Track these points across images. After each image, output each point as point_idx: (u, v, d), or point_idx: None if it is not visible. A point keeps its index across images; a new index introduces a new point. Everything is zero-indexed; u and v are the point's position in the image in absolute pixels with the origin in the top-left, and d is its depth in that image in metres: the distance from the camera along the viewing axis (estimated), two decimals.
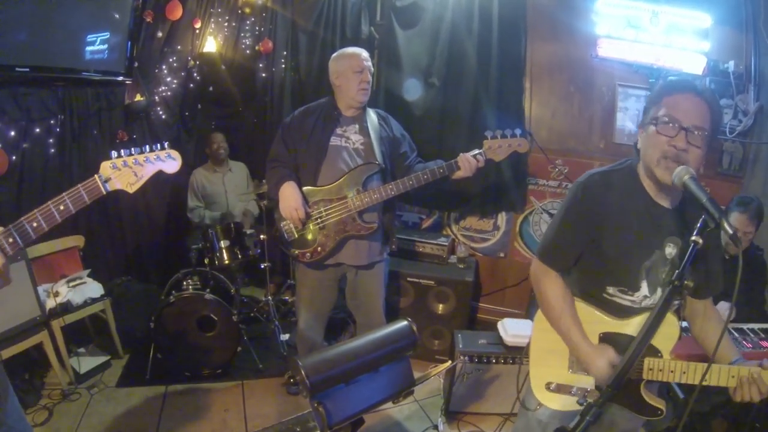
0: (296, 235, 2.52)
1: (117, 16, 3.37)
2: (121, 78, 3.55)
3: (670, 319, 1.37)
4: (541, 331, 1.62)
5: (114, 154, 1.35)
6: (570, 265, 1.57)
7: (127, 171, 1.35)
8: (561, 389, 1.59)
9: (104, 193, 1.33)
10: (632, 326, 1.47)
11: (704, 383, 1.30)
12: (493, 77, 3.43)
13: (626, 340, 1.45)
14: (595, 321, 1.52)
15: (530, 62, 3.48)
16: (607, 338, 1.50)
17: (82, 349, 3.24)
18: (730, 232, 1.10)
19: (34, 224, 1.23)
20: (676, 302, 1.43)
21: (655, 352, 1.41)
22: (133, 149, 1.37)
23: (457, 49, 3.45)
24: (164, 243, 4.09)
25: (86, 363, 3.08)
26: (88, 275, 3.16)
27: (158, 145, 1.41)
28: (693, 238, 1.17)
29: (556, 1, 3.40)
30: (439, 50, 3.47)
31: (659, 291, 1.47)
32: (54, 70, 3.14)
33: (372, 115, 2.63)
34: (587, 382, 1.55)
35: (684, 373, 1.37)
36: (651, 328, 1.20)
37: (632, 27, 3.15)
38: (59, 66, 3.16)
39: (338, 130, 2.54)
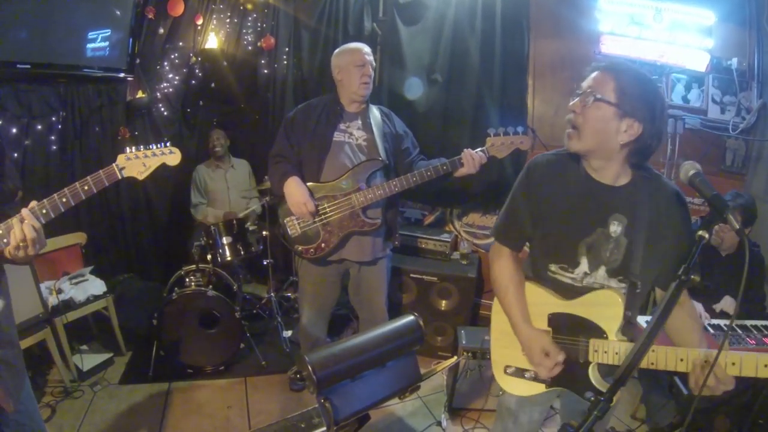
0: (300, 231, 2.51)
1: (118, 12, 3.37)
2: (122, 74, 3.56)
3: (613, 298, 1.38)
4: (497, 313, 1.65)
5: (127, 149, 1.61)
6: (521, 242, 1.62)
7: (137, 162, 1.61)
8: (517, 373, 1.60)
9: (120, 177, 1.58)
10: (578, 306, 1.48)
11: (651, 366, 1.27)
12: (496, 74, 3.42)
13: (572, 321, 1.47)
14: (544, 302, 1.55)
15: (533, 59, 3.48)
16: (554, 318, 1.52)
17: (84, 347, 3.24)
18: (737, 227, 1.11)
19: (63, 200, 1.46)
20: (624, 286, 1.44)
21: (601, 333, 1.40)
22: (142, 146, 1.64)
23: (460, 46, 3.44)
24: (166, 240, 4.09)
25: (89, 360, 3.09)
26: (91, 272, 3.16)
27: (162, 144, 1.68)
28: (699, 233, 1.15)
29: None
30: (442, 47, 3.46)
31: (602, 269, 1.47)
32: (56, 67, 3.16)
33: (375, 112, 2.63)
34: None
35: (631, 354, 1.27)
36: (657, 324, 1.18)
37: (636, 24, 3.13)
38: (61, 63, 3.17)
39: (341, 126, 2.54)
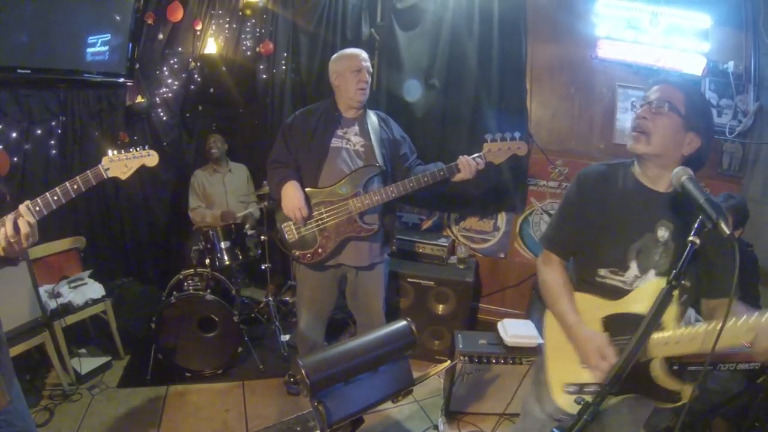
0: (297, 236, 2.52)
1: (118, 17, 3.38)
2: (122, 79, 3.56)
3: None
4: (551, 328, 1.64)
5: (110, 152, 1.77)
6: (570, 250, 1.66)
7: (120, 163, 1.77)
8: (579, 389, 1.51)
9: (105, 177, 1.72)
10: (630, 303, 1.48)
11: (720, 345, 1.17)
12: (494, 78, 3.43)
13: (627, 319, 1.46)
14: (594, 307, 1.55)
15: (530, 63, 3.48)
16: (609, 321, 1.51)
17: (83, 350, 3.25)
18: (727, 232, 1.11)
19: (55, 197, 1.58)
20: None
21: (657, 326, 1.32)
22: (123, 150, 1.81)
23: (458, 51, 3.45)
24: (164, 244, 4.10)
25: (87, 364, 3.09)
26: (89, 276, 3.16)
27: (140, 147, 1.87)
28: (690, 238, 1.17)
29: (555, 3, 3.41)
30: (440, 51, 3.48)
31: (652, 272, 1.50)
32: (55, 72, 3.16)
33: (372, 117, 2.64)
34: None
35: (692, 340, 1.26)
36: (649, 325, 1.21)
37: (632, 28, 3.17)
38: (60, 67, 3.17)
39: (339, 132, 2.55)
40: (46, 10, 2.95)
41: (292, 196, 2.44)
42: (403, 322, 1.21)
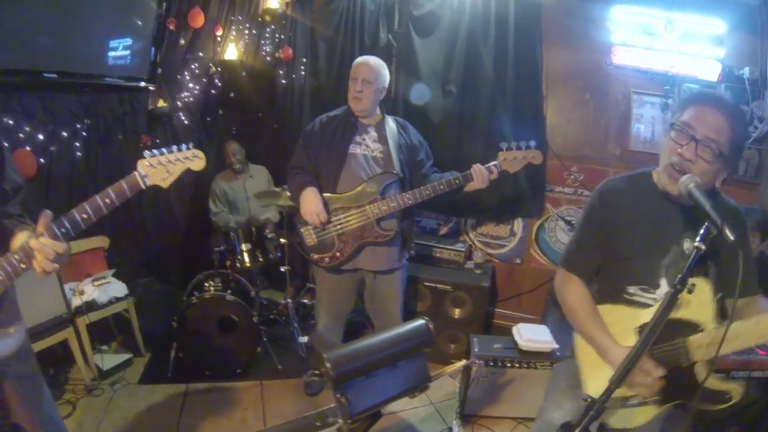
0: (316, 240, 2.58)
1: (140, 23, 3.45)
2: (144, 84, 3.63)
3: (698, 284, 1.30)
4: (584, 347, 1.58)
5: (148, 154, 1.47)
6: (592, 271, 1.58)
7: (160, 168, 1.48)
8: (622, 403, 1.47)
9: (143, 187, 1.45)
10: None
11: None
12: (510, 84, 3.46)
13: (666, 325, 1.36)
14: (626, 318, 1.49)
15: (545, 70, 3.51)
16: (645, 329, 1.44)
17: (104, 347, 3.33)
18: (731, 238, 1.14)
19: (84, 215, 1.37)
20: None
21: (696, 328, 1.34)
22: (164, 149, 1.50)
23: (474, 57, 3.49)
24: (185, 245, 4.16)
25: (109, 360, 3.16)
26: (113, 275, 3.24)
27: (184, 146, 1.55)
28: (696, 244, 1.19)
29: (570, 9, 3.43)
30: (456, 58, 3.51)
31: None
32: (80, 76, 3.22)
33: (391, 123, 2.68)
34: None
35: (737, 337, 1.24)
36: (652, 330, 1.21)
37: (647, 34, 3.18)
38: (85, 72, 3.24)
39: (357, 138, 2.60)
40: (71, 16, 3.01)
41: (310, 201, 2.49)
42: (421, 321, 1.26)
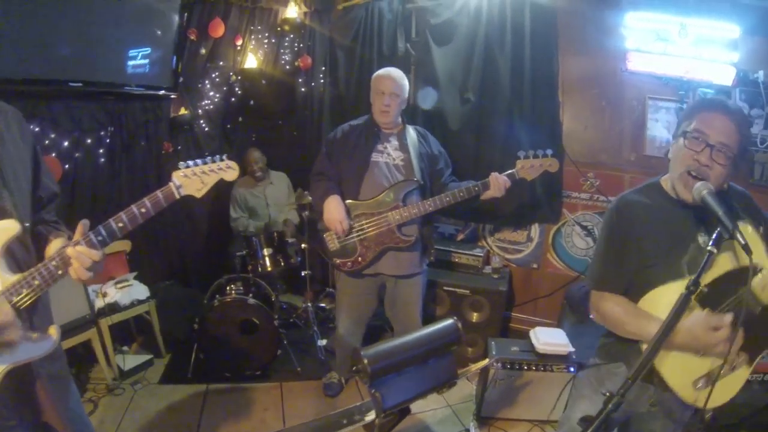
0: (338, 246, 2.64)
1: (160, 33, 3.54)
2: (166, 92, 3.72)
3: (743, 228, 1.34)
4: (660, 357, 1.49)
5: (182, 165, 1.51)
6: (624, 286, 1.59)
7: (195, 179, 1.51)
8: (709, 380, 1.45)
9: (177, 197, 1.48)
10: (714, 268, 1.37)
11: None
12: (527, 92, 3.49)
13: (720, 284, 1.40)
14: (675, 291, 1.38)
15: (561, 77, 3.54)
16: (701, 297, 1.41)
17: (125, 348, 3.40)
18: (743, 242, 1.20)
19: (120, 224, 1.40)
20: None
21: (755, 271, 1.31)
22: (199, 160, 1.54)
23: (491, 65, 3.52)
24: (206, 250, 4.24)
25: (130, 361, 3.24)
26: (135, 278, 3.31)
27: (218, 157, 1.58)
28: (708, 248, 1.25)
29: (585, 17, 3.45)
30: (474, 66, 3.54)
31: None
32: (104, 85, 3.31)
33: (411, 132, 2.75)
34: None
35: None
36: (668, 326, 1.25)
37: (661, 40, 3.17)
38: (108, 81, 3.32)
39: (379, 146, 2.68)
40: (95, 27, 3.09)
41: (333, 209, 2.57)
42: (450, 321, 1.30)
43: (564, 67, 3.53)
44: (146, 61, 3.51)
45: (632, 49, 3.26)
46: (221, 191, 4.04)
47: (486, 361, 2.17)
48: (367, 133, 2.69)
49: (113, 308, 3.08)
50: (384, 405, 1.12)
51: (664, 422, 1.64)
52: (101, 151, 3.45)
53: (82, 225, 1.37)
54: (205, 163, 1.53)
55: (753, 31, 3.10)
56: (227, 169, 1.57)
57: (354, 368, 1.09)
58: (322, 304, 4.04)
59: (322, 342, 3.55)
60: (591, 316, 1.67)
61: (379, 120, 2.66)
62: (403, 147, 2.69)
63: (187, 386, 3.12)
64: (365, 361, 1.07)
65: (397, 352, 1.15)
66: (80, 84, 3.12)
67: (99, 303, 3.03)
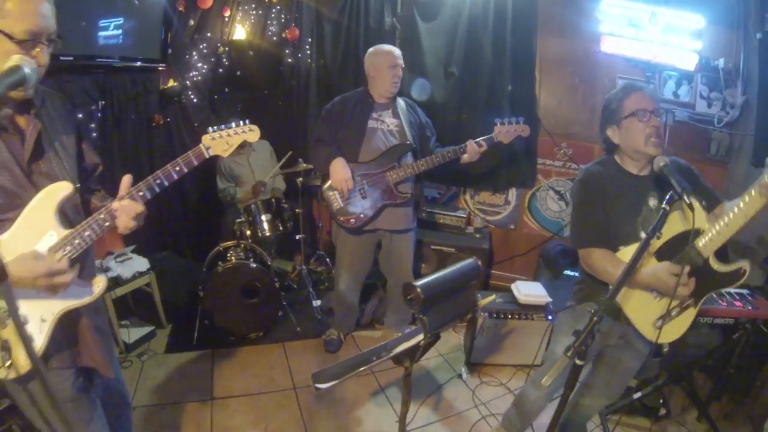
0: (342, 204, 2.88)
1: (151, 5, 3.53)
2: (156, 64, 3.73)
3: (693, 200, 1.61)
4: (624, 297, 1.84)
5: (210, 130, 1.71)
6: (603, 238, 1.90)
7: (221, 141, 1.71)
8: (666, 318, 1.79)
9: (207, 156, 1.68)
10: (665, 233, 1.67)
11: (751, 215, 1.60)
12: (507, 68, 3.72)
13: (672, 243, 1.76)
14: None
15: (540, 56, 3.78)
16: (661, 253, 1.79)
17: (125, 321, 3.37)
18: (688, 201, 1.54)
19: (158, 181, 1.57)
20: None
21: (698, 233, 1.71)
22: (224, 126, 1.75)
23: (474, 43, 3.71)
24: (196, 220, 4.31)
25: (133, 333, 3.24)
26: (132, 251, 3.33)
27: (242, 122, 1.78)
28: (663, 206, 1.58)
29: (564, 1, 3.69)
30: (458, 42, 3.73)
31: None
32: (94, 58, 3.29)
33: (401, 103, 3.01)
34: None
35: (727, 225, 1.65)
36: (634, 262, 1.54)
37: (633, 26, 3.44)
38: (99, 54, 3.30)
39: (374, 115, 2.93)
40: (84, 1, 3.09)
41: (340, 170, 2.81)
42: (472, 259, 1.53)
43: (542, 46, 3.77)
44: (139, 33, 3.49)
45: (606, 33, 3.52)
46: (208, 163, 4.08)
47: (492, 296, 2.54)
48: (363, 103, 2.93)
49: (116, 282, 3.10)
50: (429, 327, 1.35)
51: (630, 353, 2.04)
52: (93, 125, 3.42)
53: (126, 180, 1.55)
54: (229, 127, 1.74)
55: (716, 22, 3.39)
56: (249, 132, 1.78)
57: (408, 297, 1.30)
58: (314, 268, 4.22)
59: (318, 302, 3.77)
60: (584, 267, 1.99)
61: (390, 91, 2.88)
62: (396, 115, 2.97)
63: (193, 353, 3.21)
64: (419, 290, 1.28)
65: (440, 284, 1.37)
66: (71, 58, 3.10)
67: None
